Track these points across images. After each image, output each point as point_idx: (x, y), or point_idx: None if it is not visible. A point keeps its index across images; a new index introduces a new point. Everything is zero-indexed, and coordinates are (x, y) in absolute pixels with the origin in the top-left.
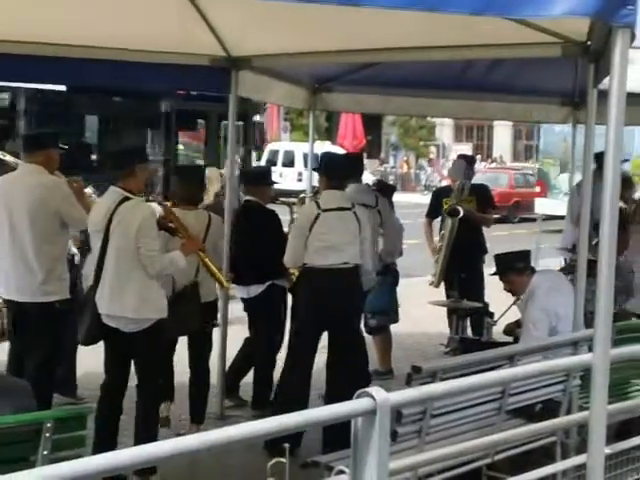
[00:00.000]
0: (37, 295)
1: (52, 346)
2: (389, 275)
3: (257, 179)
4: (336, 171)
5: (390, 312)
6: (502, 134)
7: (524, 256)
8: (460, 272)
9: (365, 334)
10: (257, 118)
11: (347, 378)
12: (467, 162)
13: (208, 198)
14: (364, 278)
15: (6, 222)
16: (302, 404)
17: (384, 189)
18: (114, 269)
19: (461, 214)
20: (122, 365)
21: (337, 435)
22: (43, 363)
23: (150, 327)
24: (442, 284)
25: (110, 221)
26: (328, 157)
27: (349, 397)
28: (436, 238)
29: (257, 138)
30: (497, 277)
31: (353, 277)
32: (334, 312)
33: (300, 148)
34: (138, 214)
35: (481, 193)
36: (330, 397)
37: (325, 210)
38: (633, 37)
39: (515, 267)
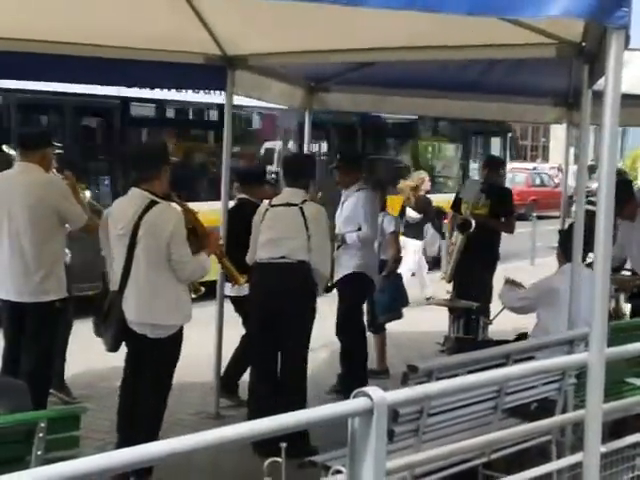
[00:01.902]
0: (36, 295)
1: (50, 345)
2: (392, 276)
3: (251, 178)
4: (294, 170)
5: (396, 308)
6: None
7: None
8: (470, 274)
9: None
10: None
11: (269, 380)
12: (494, 167)
13: None
14: (316, 277)
15: (4, 221)
16: (262, 401)
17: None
18: (142, 275)
19: (471, 229)
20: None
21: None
22: (41, 362)
23: (176, 333)
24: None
25: (138, 226)
26: (289, 157)
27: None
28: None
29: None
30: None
31: (292, 273)
32: (272, 309)
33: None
34: (169, 220)
35: (498, 197)
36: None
37: (273, 206)
38: (628, 39)
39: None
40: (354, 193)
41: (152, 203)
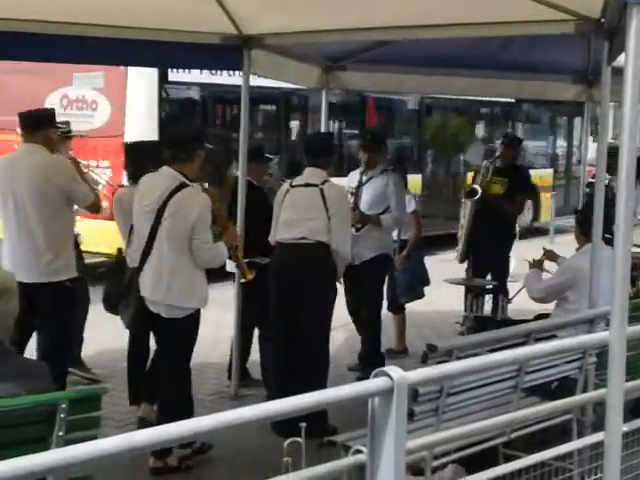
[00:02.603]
0: (46, 275)
1: (64, 325)
2: (421, 252)
3: (249, 156)
4: (315, 150)
5: (418, 288)
6: None
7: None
8: (485, 253)
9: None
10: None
11: (290, 363)
12: (512, 145)
13: None
14: (336, 258)
15: (11, 202)
16: (282, 382)
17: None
18: (163, 254)
19: (478, 195)
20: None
21: None
22: (56, 343)
23: (190, 315)
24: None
25: (165, 205)
26: (310, 136)
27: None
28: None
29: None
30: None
31: (312, 253)
32: (293, 289)
33: None
34: (196, 205)
35: (516, 175)
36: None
37: (294, 186)
38: None
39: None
40: (379, 175)
41: (182, 185)
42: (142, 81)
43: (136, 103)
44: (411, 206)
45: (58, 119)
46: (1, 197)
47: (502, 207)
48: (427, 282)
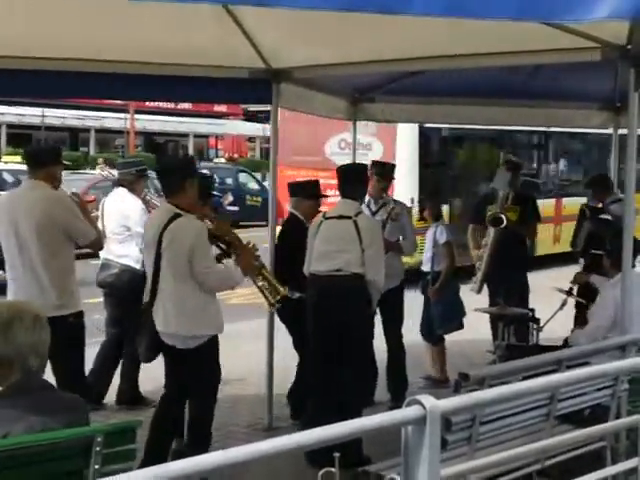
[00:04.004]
0: (50, 310)
1: (71, 360)
2: (454, 284)
3: (301, 191)
4: (349, 181)
5: (455, 320)
6: None
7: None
8: (503, 282)
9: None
10: None
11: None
12: (513, 169)
13: None
14: (371, 289)
15: (13, 238)
16: (322, 414)
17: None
18: (169, 285)
19: (504, 224)
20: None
21: None
22: (67, 379)
23: (205, 343)
24: (485, 290)
25: (161, 237)
26: (345, 167)
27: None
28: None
29: None
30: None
31: (348, 285)
32: (331, 319)
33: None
34: (190, 232)
35: (526, 203)
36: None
37: (327, 218)
38: None
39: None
40: (387, 204)
41: (175, 216)
42: (408, 128)
43: (403, 145)
44: (443, 237)
45: (334, 158)
46: (3, 233)
47: (525, 234)
48: (463, 314)
